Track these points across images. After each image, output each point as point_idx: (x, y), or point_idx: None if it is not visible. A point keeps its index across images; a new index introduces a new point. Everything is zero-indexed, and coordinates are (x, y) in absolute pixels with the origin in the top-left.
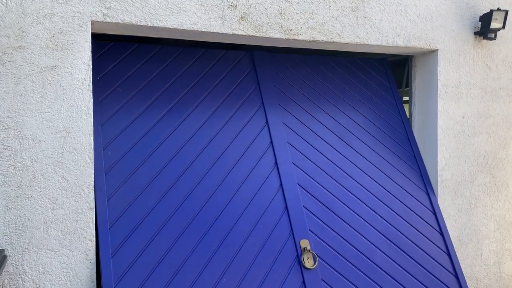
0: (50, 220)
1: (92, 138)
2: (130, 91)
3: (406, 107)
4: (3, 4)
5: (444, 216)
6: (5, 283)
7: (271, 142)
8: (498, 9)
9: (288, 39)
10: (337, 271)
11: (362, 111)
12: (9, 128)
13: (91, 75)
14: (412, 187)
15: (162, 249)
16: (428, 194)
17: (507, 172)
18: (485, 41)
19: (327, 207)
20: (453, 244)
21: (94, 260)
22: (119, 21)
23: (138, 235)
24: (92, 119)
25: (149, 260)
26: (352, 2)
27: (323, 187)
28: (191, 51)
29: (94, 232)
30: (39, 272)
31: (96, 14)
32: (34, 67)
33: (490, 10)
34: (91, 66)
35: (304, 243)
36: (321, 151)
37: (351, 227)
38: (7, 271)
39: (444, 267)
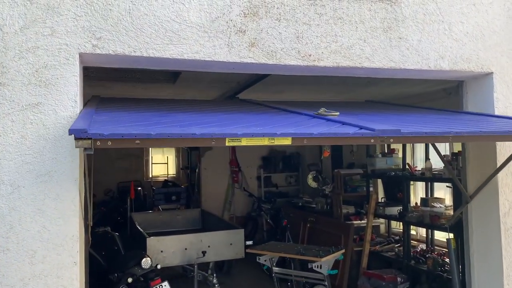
0: (27, 277)
1: (77, 182)
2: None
3: None
4: None
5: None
6: None
7: None
8: None
9: (307, 65)
10: (366, 120)
11: None
12: None
13: (77, 112)
14: None
15: None
16: None
17: None
18: None
19: None
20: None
21: None
22: (111, 52)
23: None
24: (78, 161)
25: None
26: (384, 21)
27: None
28: None
29: None
30: None
31: (84, 46)
32: (14, 105)
33: None
34: (78, 102)
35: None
36: None
37: None
38: None
39: None
